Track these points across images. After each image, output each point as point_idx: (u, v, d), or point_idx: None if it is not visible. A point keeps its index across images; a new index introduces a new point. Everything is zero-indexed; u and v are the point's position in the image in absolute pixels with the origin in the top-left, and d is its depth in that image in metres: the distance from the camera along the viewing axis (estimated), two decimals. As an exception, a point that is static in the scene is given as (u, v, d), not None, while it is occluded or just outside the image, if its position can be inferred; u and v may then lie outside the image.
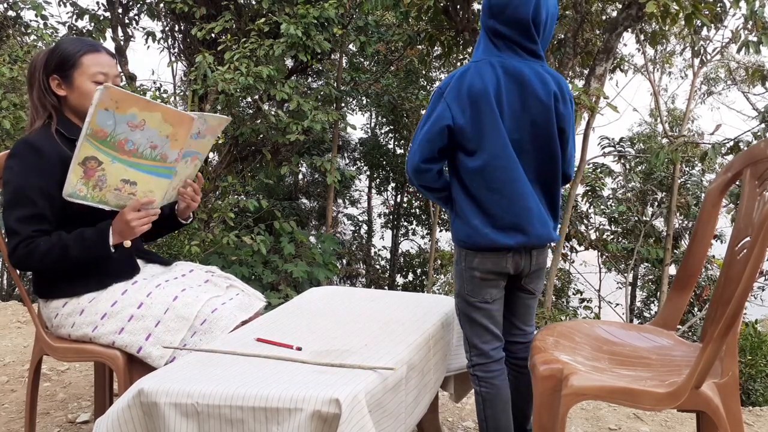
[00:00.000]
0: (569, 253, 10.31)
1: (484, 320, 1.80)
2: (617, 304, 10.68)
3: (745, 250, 1.60)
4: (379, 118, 12.24)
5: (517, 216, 1.72)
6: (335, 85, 8.05)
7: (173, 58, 8.22)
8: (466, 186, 1.74)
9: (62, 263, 1.74)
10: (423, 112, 11.10)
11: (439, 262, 10.95)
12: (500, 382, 1.82)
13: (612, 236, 10.49)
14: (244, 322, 1.83)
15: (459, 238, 1.78)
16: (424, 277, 11.71)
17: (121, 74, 1.94)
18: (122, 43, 7.74)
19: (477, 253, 1.76)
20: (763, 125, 6.26)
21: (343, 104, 8.98)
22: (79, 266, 1.79)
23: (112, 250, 1.76)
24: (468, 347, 1.85)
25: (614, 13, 6.76)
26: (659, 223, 10.48)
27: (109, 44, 7.56)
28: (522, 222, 1.73)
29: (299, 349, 1.58)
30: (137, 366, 1.74)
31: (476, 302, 1.79)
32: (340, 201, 12.55)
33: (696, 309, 9.88)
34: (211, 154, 8.54)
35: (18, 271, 1.90)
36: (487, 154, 1.70)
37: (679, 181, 9.94)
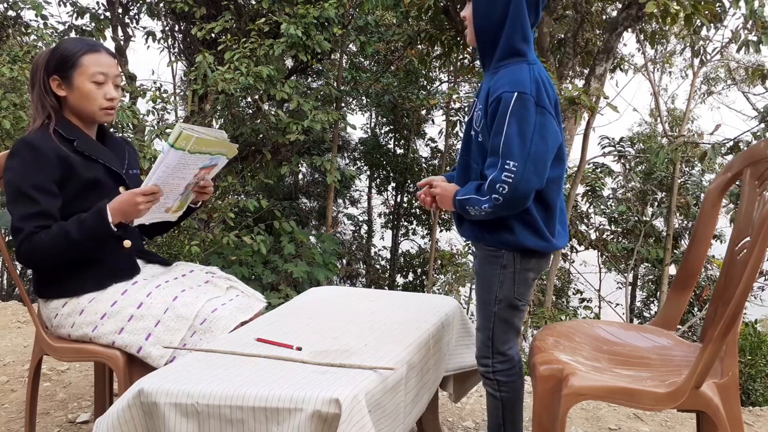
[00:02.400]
0: (569, 253, 10.32)
1: (519, 323, 1.76)
2: (617, 304, 10.68)
3: (745, 250, 1.60)
4: (379, 118, 12.24)
5: (565, 220, 1.76)
6: (335, 84, 8.06)
7: (173, 58, 8.22)
8: (543, 195, 1.65)
9: (68, 251, 1.74)
10: (424, 112, 11.14)
11: (439, 262, 10.95)
12: (521, 384, 1.79)
13: (612, 236, 10.50)
14: (243, 323, 1.83)
15: (527, 246, 1.66)
16: (424, 277, 11.71)
17: (122, 74, 1.93)
18: (122, 42, 7.74)
19: (534, 255, 1.71)
20: (762, 125, 6.26)
21: (343, 104, 8.98)
22: (86, 252, 1.78)
23: (114, 229, 1.74)
24: (491, 354, 1.74)
25: (614, 13, 6.76)
26: (659, 223, 10.49)
27: (109, 44, 7.56)
28: (566, 224, 1.77)
29: (299, 349, 1.58)
30: (137, 366, 1.74)
31: (521, 305, 1.73)
32: (340, 201, 12.55)
33: (696, 309, 9.88)
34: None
35: (18, 271, 1.91)
36: (563, 163, 1.67)
37: (678, 181, 9.95)
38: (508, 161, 1.53)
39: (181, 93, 9.08)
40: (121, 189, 1.91)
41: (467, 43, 1.80)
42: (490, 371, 1.75)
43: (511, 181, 1.53)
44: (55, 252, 1.73)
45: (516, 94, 1.54)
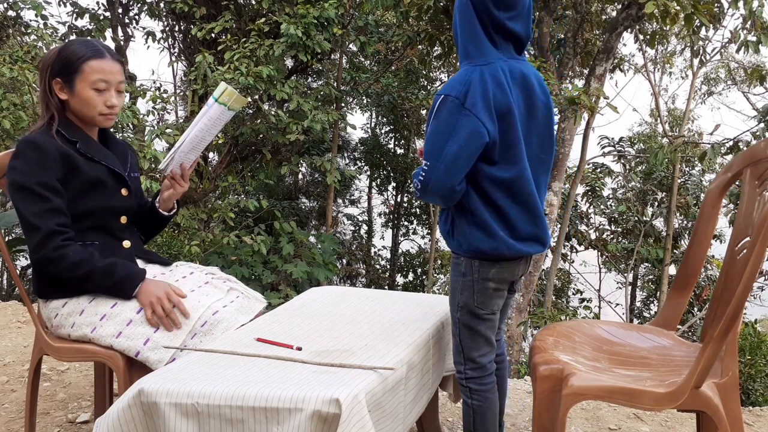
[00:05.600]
0: (569, 253, 10.32)
1: (487, 331, 1.75)
2: (617, 304, 10.69)
3: (745, 250, 1.61)
4: (380, 118, 12.25)
5: (536, 227, 1.70)
6: (335, 85, 8.05)
7: (173, 58, 8.22)
8: (489, 196, 1.64)
9: (84, 281, 1.77)
10: (424, 112, 11.13)
11: (439, 262, 10.96)
12: (493, 395, 1.78)
13: (612, 236, 10.50)
14: (243, 325, 1.83)
15: (479, 249, 1.67)
16: (424, 277, 11.71)
17: (125, 80, 1.93)
18: (122, 42, 7.73)
19: (495, 263, 1.69)
20: (762, 125, 6.26)
21: (343, 104, 8.97)
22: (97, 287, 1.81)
23: (131, 296, 1.79)
24: (463, 360, 1.77)
25: (614, 13, 6.76)
26: (659, 223, 10.49)
27: (109, 44, 7.55)
28: (539, 233, 1.71)
29: (299, 349, 1.58)
30: (137, 366, 1.73)
31: (484, 314, 1.73)
32: (340, 201, 12.55)
33: (696, 309, 9.89)
34: (211, 154, 8.56)
35: (18, 271, 1.91)
36: (517, 167, 1.64)
37: (678, 181, 9.95)
38: (424, 160, 1.62)
39: (181, 93, 9.08)
40: (123, 191, 1.91)
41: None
42: (463, 377, 1.78)
43: (422, 179, 1.62)
44: (72, 275, 1.75)
45: (442, 96, 1.60)
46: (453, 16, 1.72)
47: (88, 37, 4.05)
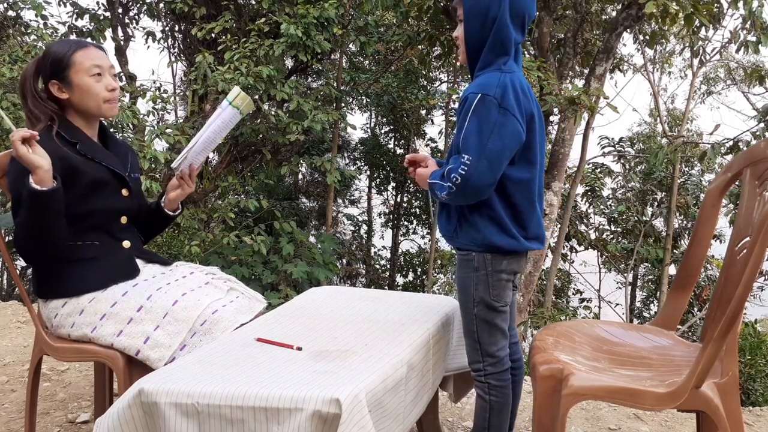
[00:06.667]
0: (569, 253, 10.32)
1: (502, 324, 1.79)
2: (617, 304, 10.69)
3: (745, 250, 1.61)
4: (379, 118, 12.24)
5: (539, 228, 1.80)
6: (335, 85, 8.06)
7: (173, 58, 8.22)
8: (508, 195, 1.72)
9: (29, 227, 1.69)
10: (423, 112, 11.14)
11: (439, 262, 10.95)
12: (509, 392, 1.81)
13: (612, 236, 10.50)
14: (243, 325, 1.84)
15: (494, 243, 1.72)
16: (424, 277, 11.71)
17: (113, 67, 1.94)
18: (122, 43, 7.73)
19: (506, 256, 1.75)
20: (762, 125, 6.27)
21: (343, 104, 8.97)
22: (47, 225, 1.71)
23: (35, 187, 1.64)
24: (481, 356, 1.78)
25: (614, 13, 6.76)
26: (659, 223, 10.49)
27: (109, 44, 7.56)
28: (541, 233, 1.81)
29: (299, 349, 1.59)
30: (137, 366, 1.74)
31: (500, 306, 1.76)
32: (340, 201, 12.54)
33: (696, 309, 9.89)
34: (211, 154, 8.55)
35: (18, 271, 1.91)
36: (533, 169, 1.74)
37: (678, 181, 9.95)
38: (464, 155, 1.64)
39: (181, 93, 9.09)
40: (123, 191, 1.92)
41: (461, 63, 1.88)
42: (482, 374, 1.79)
43: (464, 173, 1.63)
44: (26, 233, 1.70)
45: (480, 95, 1.65)
46: (464, 23, 1.74)
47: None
